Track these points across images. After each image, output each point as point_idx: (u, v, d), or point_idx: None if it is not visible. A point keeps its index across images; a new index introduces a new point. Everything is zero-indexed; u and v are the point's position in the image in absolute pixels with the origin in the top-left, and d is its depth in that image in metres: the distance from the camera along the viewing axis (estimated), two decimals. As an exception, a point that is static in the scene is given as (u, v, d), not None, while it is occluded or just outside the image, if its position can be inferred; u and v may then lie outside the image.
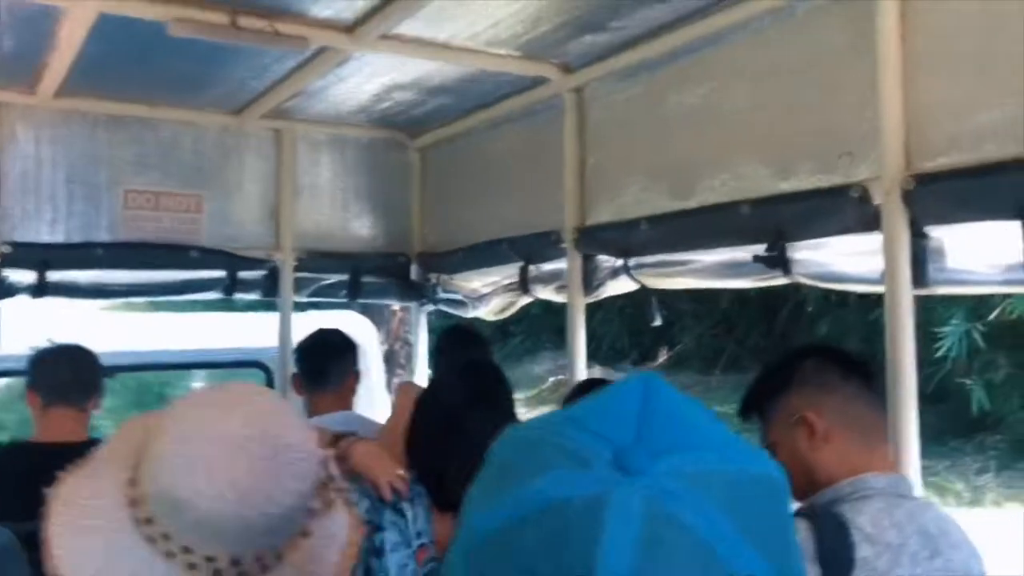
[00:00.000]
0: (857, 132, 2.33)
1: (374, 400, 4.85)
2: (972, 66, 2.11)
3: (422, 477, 2.26)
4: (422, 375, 4.47)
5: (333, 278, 4.33)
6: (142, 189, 3.83)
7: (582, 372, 3.41)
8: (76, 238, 3.72)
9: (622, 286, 3.29)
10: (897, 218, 2.20)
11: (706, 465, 0.65)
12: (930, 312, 8.30)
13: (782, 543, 0.67)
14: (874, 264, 2.30)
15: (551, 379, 13.09)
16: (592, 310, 3.49)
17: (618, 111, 3.23)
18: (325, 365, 3.35)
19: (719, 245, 2.80)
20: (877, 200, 2.24)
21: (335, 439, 2.45)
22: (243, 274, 4.06)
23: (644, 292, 3.24)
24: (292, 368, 3.55)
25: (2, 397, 7.41)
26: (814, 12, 2.47)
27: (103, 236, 3.75)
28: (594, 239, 3.30)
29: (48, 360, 3.07)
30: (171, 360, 5.14)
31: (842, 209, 2.35)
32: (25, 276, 3.64)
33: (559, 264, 3.51)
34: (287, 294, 4.11)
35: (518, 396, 12.37)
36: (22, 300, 3.66)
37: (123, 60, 3.24)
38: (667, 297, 3.33)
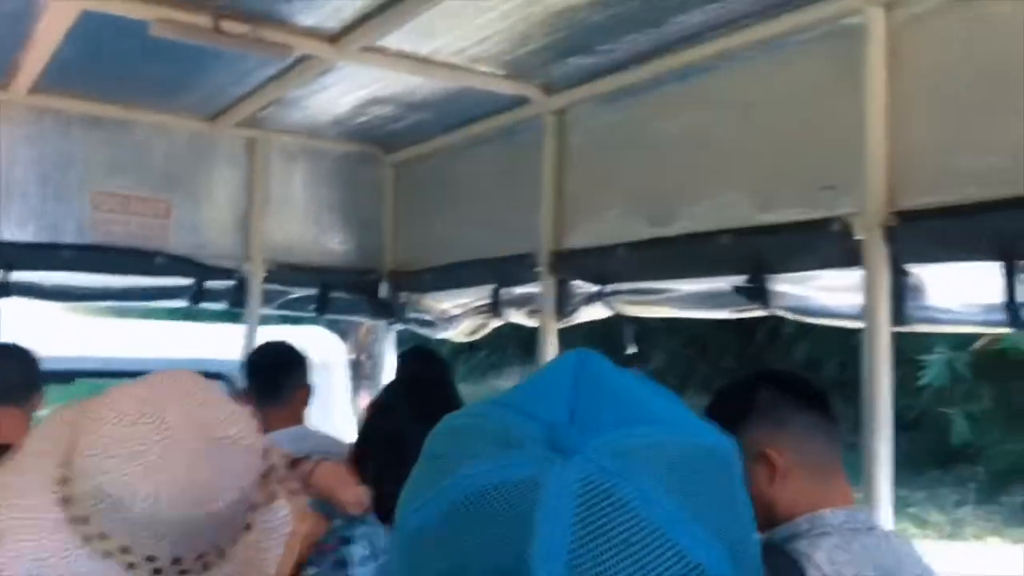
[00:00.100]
0: (841, 167, 2.34)
1: (339, 417, 4.79)
2: (958, 107, 2.14)
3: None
4: (386, 392, 4.41)
5: (302, 292, 4.27)
6: (112, 191, 3.76)
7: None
8: (43, 238, 3.64)
9: (596, 312, 3.27)
10: (878, 254, 2.21)
11: (645, 439, 0.61)
12: (914, 340, 8.29)
13: (732, 516, 0.63)
14: (854, 299, 2.31)
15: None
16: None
17: (599, 135, 3.22)
18: (276, 379, 3.21)
19: (698, 275, 2.79)
20: (859, 235, 2.25)
21: (293, 463, 2.39)
22: (210, 283, 4.00)
23: (618, 320, 3.22)
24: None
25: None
26: (803, 46, 2.48)
27: (70, 237, 3.68)
28: (569, 264, 3.29)
29: None
30: (132, 368, 5.03)
31: (823, 243, 2.35)
32: (-12, 275, 3.56)
33: (532, 288, 3.48)
34: (254, 306, 4.05)
35: None
36: (-17, 299, 3.58)
37: (101, 59, 3.19)
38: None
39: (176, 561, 1.05)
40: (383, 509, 2.20)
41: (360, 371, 8.85)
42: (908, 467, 10.04)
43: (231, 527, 1.10)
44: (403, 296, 4.37)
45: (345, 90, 3.48)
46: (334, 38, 2.87)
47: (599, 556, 0.56)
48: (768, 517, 1.75)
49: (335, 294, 4.30)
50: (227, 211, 4.06)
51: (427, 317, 4.33)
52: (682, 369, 12.69)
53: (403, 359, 3.86)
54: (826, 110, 2.42)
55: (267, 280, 4.08)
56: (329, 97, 3.58)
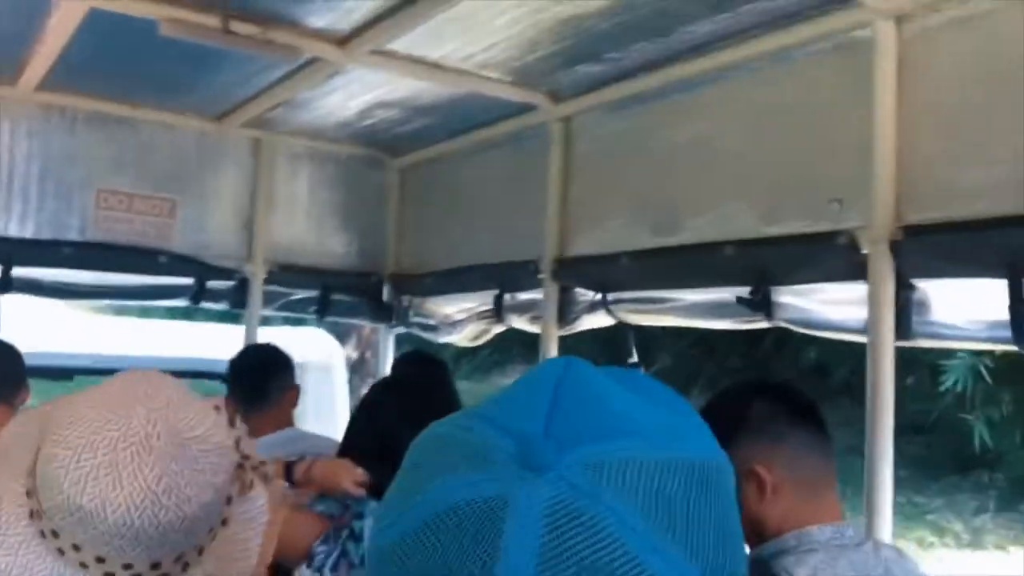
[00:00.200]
0: (848, 180, 2.34)
1: (338, 418, 4.78)
2: (967, 122, 2.13)
3: None
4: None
5: (303, 293, 4.27)
6: (116, 190, 3.76)
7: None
8: (45, 235, 3.64)
9: (599, 320, 3.26)
10: (884, 268, 2.21)
11: (623, 454, 0.59)
12: (935, 343, 8.20)
13: (715, 537, 0.61)
14: (858, 313, 2.30)
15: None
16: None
17: (605, 143, 3.22)
18: (264, 383, 3.13)
19: (701, 285, 2.79)
20: (864, 249, 2.25)
21: (286, 467, 2.39)
22: (212, 283, 4.00)
23: (622, 328, 3.21)
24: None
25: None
26: (812, 58, 2.48)
27: (72, 235, 3.68)
28: (573, 271, 3.28)
29: None
30: (131, 366, 5.02)
31: (828, 256, 2.34)
32: (-12, 270, 3.55)
33: (535, 294, 3.48)
34: (255, 307, 4.04)
35: None
36: (-16, 293, 3.58)
37: (109, 58, 3.19)
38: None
39: (155, 566, 1.04)
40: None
41: (364, 369, 8.84)
42: (926, 473, 9.93)
43: (208, 524, 1.09)
44: (405, 300, 4.37)
45: (353, 93, 3.48)
46: (343, 41, 2.87)
47: None
48: (757, 533, 1.75)
49: (336, 296, 4.29)
50: (231, 211, 4.06)
51: (430, 322, 4.32)
52: (688, 370, 12.53)
53: (398, 362, 3.85)
54: (834, 123, 2.41)
55: (268, 281, 4.07)
56: (337, 100, 3.57)
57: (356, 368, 9.22)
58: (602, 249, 3.16)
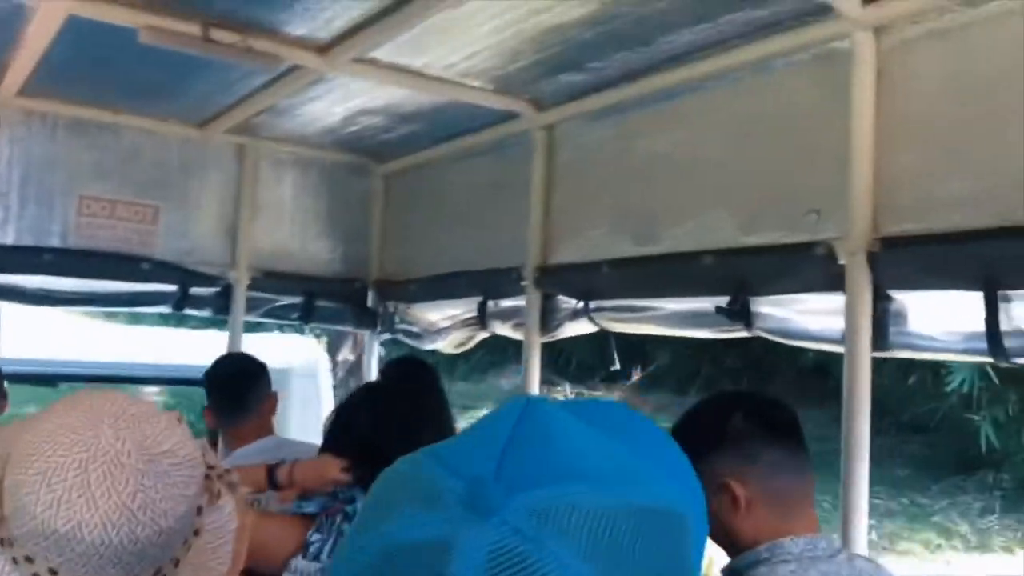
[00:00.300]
0: (826, 191, 2.34)
1: (322, 424, 4.76)
2: (944, 134, 2.14)
3: None
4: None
5: (287, 300, 4.25)
6: (98, 196, 3.74)
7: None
8: (26, 241, 3.62)
9: (581, 328, 3.26)
10: (861, 279, 2.21)
11: (569, 499, 0.58)
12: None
13: None
14: (836, 323, 2.31)
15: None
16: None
17: (588, 151, 3.22)
18: (242, 393, 3.13)
19: (680, 294, 2.79)
20: (842, 260, 2.25)
21: (268, 471, 2.39)
22: (195, 290, 3.98)
23: (604, 335, 3.22)
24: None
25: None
26: (792, 69, 2.48)
27: (54, 241, 3.66)
28: (555, 279, 3.28)
29: None
30: (118, 373, 5.00)
31: (806, 266, 2.35)
32: (-32, 277, 3.54)
33: (518, 301, 3.48)
34: (238, 313, 4.03)
35: (484, 410, 12.22)
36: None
37: (90, 64, 3.18)
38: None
39: None
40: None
41: (360, 372, 8.84)
42: (928, 473, 9.92)
43: (183, 536, 1.09)
44: (390, 306, 4.36)
45: (336, 100, 3.47)
46: (324, 49, 2.87)
47: None
48: (732, 544, 1.78)
49: (321, 303, 4.29)
50: (215, 217, 4.05)
51: (415, 329, 4.32)
52: (687, 371, 12.53)
53: (387, 366, 3.84)
54: (813, 133, 2.42)
55: (252, 287, 4.06)
56: (321, 107, 3.57)
57: (352, 371, 9.22)
58: (584, 257, 3.16)
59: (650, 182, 2.92)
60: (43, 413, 1.08)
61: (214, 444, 3.82)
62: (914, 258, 2.15)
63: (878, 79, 2.26)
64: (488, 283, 3.63)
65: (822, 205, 2.35)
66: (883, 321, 2.19)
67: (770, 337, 2.56)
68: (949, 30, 2.15)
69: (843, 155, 2.27)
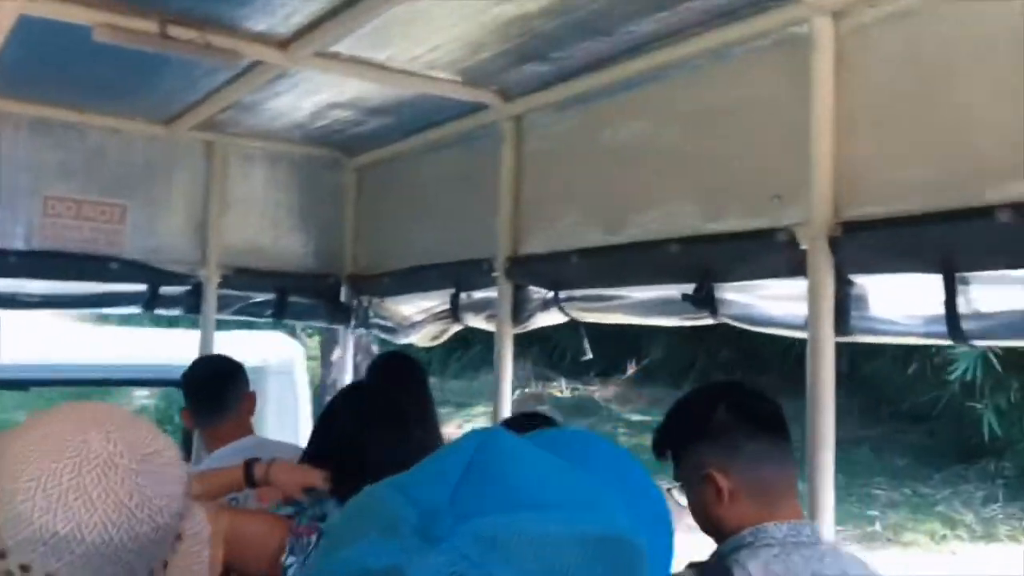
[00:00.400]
0: (787, 177, 2.34)
1: (300, 423, 4.76)
2: (903, 118, 2.14)
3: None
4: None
5: (259, 297, 4.22)
6: (63, 196, 3.70)
7: (507, 401, 3.39)
8: (-11, 244, 3.59)
9: (552, 318, 3.26)
10: (823, 264, 2.21)
11: (517, 527, 0.60)
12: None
13: None
14: (799, 309, 2.31)
15: (515, 391, 12.74)
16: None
17: (555, 141, 3.22)
18: (220, 393, 3.11)
19: (647, 282, 2.79)
20: (804, 245, 2.25)
21: (246, 466, 2.39)
22: (165, 289, 3.95)
23: (576, 324, 3.22)
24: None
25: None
26: (751, 56, 2.48)
27: (19, 243, 3.61)
28: (526, 269, 3.28)
29: None
30: (89, 375, 4.95)
31: (769, 252, 2.35)
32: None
33: (490, 293, 3.47)
34: (210, 311, 4.00)
35: (478, 407, 12.17)
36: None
37: (47, 64, 3.14)
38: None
39: None
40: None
41: (356, 372, 8.83)
42: (928, 462, 9.89)
43: (174, 534, 1.11)
44: (364, 300, 4.34)
45: (303, 94, 3.45)
46: (285, 44, 2.84)
47: None
48: (718, 531, 1.83)
49: (293, 298, 4.26)
50: (183, 215, 4.01)
51: (389, 323, 4.30)
52: (681, 363, 12.56)
53: (373, 363, 3.84)
54: (774, 119, 2.42)
55: (223, 285, 4.02)
56: (288, 101, 3.54)
57: (344, 367, 9.19)
58: (553, 247, 3.16)
59: (616, 171, 2.92)
60: (23, 427, 1.10)
61: (188, 445, 3.81)
62: (875, 242, 2.15)
63: (837, 64, 2.26)
64: (460, 275, 3.62)
65: (783, 191, 2.35)
66: (845, 305, 2.20)
67: (735, 324, 2.56)
68: (907, 13, 2.15)
69: (804, 140, 2.27)
